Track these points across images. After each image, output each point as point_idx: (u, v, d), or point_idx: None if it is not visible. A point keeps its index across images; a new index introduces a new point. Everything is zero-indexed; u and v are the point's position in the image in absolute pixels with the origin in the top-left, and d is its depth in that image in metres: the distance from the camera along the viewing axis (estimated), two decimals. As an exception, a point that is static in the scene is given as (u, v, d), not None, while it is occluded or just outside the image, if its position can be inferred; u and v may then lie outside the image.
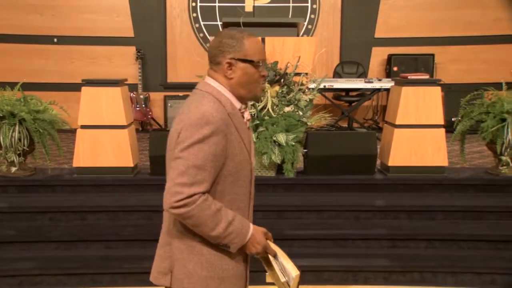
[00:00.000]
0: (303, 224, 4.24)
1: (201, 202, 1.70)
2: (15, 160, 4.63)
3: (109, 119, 4.70)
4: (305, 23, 8.05)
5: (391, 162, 4.72)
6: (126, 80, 5.08)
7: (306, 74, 4.77)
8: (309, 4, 8.07)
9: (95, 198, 4.56)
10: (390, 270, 3.93)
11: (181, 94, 7.50)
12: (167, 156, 1.85)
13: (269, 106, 4.45)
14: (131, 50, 7.91)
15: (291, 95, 4.60)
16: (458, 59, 8.01)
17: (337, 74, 7.80)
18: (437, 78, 5.86)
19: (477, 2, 7.97)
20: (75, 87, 5.39)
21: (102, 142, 4.70)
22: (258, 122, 4.48)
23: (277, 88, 4.56)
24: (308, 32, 8.08)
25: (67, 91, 7.30)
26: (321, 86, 5.66)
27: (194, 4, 8.04)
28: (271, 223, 3.63)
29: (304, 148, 4.68)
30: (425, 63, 7.82)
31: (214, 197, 1.77)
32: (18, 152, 4.59)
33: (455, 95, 7.07)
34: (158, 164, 4.67)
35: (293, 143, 4.46)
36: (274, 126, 4.46)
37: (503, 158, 4.63)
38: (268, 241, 1.86)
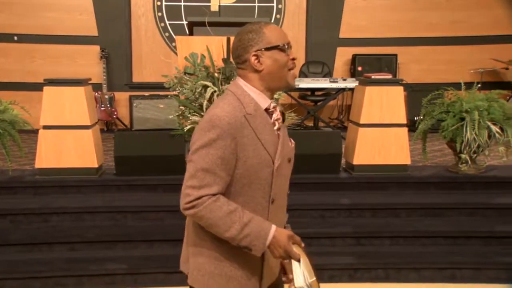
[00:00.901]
0: (270, 223, 4.26)
1: (209, 204, 1.72)
2: (-26, 161, 4.50)
3: (72, 119, 4.62)
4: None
5: (356, 161, 4.79)
6: (90, 79, 5.01)
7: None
8: (274, 4, 8.12)
9: (59, 200, 4.48)
10: (355, 267, 3.99)
11: (146, 94, 7.41)
12: None
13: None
14: (95, 49, 7.79)
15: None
16: (419, 59, 8.20)
17: (302, 74, 7.87)
18: (399, 78, 5.97)
19: (436, 4, 8.18)
20: (37, 87, 5.27)
21: (66, 142, 4.62)
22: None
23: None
24: (273, 32, 8.11)
25: (29, 90, 7.15)
26: (287, 86, 5.69)
27: (159, 3, 7.98)
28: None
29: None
30: (388, 63, 7.96)
31: (229, 198, 1.77)
32: (-22, 153, 4.47)
33: (417, 95, 7.23)
34: (123, 164, 4.64)
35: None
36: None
37: (463, 156, 4.76)
38: (294, 245, 1.78)
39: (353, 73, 7.99)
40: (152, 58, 7.96)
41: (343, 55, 8.20)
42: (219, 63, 4.59)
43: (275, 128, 1.85)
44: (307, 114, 7.33)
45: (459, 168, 4.86)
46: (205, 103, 4.43)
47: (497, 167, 5.14)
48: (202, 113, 4.47)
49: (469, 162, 4.80)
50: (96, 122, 4.98)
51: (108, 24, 7.81)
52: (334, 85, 7.11)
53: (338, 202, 4.52)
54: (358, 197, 4.60)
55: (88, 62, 7.82)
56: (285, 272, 2.04)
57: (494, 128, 4.63)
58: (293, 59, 1.83)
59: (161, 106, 7.09)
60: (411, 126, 5.64)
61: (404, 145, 4.78)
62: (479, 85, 5.10)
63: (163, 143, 4.64)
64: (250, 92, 1.82)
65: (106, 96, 7.55)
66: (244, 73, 1.84)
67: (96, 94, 7.32)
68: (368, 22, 8.16)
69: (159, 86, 6.01)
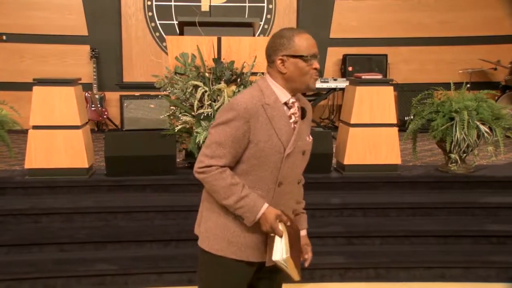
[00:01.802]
0: (261, 223, 4.26)
1: (216, 173, 2.00)
2: (-37, 162, 4.47)
3: (62, 119, 4.59)
4: (261, 23, 8.10)
5: (347, 161, 4.81)
6: (80, 79, 4.98)
7: (263, 73, 4.79)
8: (265, 4, 8.12)
9: (49, 200, 4.44)
10: (346, 267, 3.99)
11: (137, 93, 7.39)
12: None
13: (226, 105, 4.45)
14: (85, 49, 7.75)
15: (247, 95, 4.61)
16: (409, 59, 8.25)
17: (293, 74, 7.87)
18: (389, 78, 6.00)
19: (425, 5, 8.23)
20: (26, 87, 5.24)
21: (56, 142, 4.59)
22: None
23: (233, 87, 4.57)
24: (264, 32, 8.13)
25: (18, 90, 7.10)
26: (278, 86, 5.70)
27: (149, 3, 7.95)
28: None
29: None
30: (379, 63, 8.00)
31: (239, 175, 2.04)
32: (-34, 153, 4.44)
33: (407, 95, 7.30)
34: (114, 164, 4.61)
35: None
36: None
37: (452, 155, 4.79)
38: (280, 223, 2.00)
39: (343, 73, 8.02)
40: (142, 58, 7.94)
41: (333, 55, 8.22)
42: (210, 63, 4.59)
43: (291, 121, 2.07)
44: (298, 114, 7.33)
45: (448, 167, 4.89)
46: (196, 103, 4.43)
47: (486, 167, 5.18)
48: (193, 113, 4.46)
49: (459, 161, 4.83)
50: (87, 122, 4.95)
51: (98, 24, 7.77)
52: (324, 85, 7.13)
53: (329, 201, 4.53)
54: (349, 197, 4.62)
55: (78, 62, 7.78)
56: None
57: (483, 128, 4.66)
58: (315, 68, 2.05)
59: (152, 106, 7.08)
60: (402, 126, 5.68)
61: (394, 145, 4.80)
62: (468, 85, 5.15)
63: (154, 143, 4.62)
64: (273, 87, 2.06)
65: (97, 96, 7.51)
66: (271, 71, 2.08)
67: (86, 94, 7.28)
68: (358, 23, 8.19)
69: (149, 86, 6.00)
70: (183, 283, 3.84)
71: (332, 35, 8.19)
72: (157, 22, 7.99)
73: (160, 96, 6.14)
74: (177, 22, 5.54)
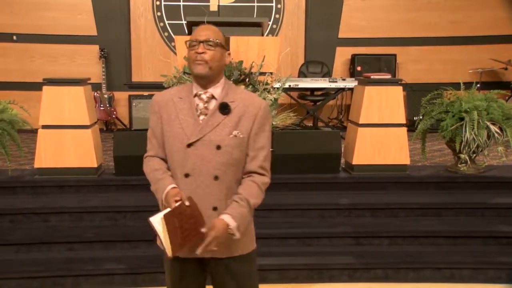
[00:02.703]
0: (268, 223, 4.26)
1: (145, 162, 2.24)
2: (-27, 161, 4.50)
3: (71, 119, 4.62)
4: (270, 23, 8.09)
5: (355, 161, 4.79)
6: (89, 79, 5.00)
7: (271, 73, 4.80)
8: (273, 4, 8.12)
9: (58, 200, 4.47)
10: (355, 267, 3.99)
11: (146, 93, 7.41)
12: None
13: (234, 105, 4.45)
14: (94, 48, 7.78)
15: (256, 94, 4.61)
16: (418, 59, 8.21)
17: (302, 74, 7.87)
18: (398, 78, 5.97)
19: (435, 4, 8.18)
20: (36, 86, 5.27)
21: (65, 142, 4.61)
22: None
23: (242, 87, 4.57)
24: (273, 32, 8.13)
25: (28, 90, 7.14)
26: (286, 85, 5.70)
27: (158, 3, 7.97)
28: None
29: (270, 147, 4.69)
30: (388, 63, 7.97)
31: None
32: (-24, 153, 4.46)
33: (416, 95, 7.25)
34: (122, 164, 4.63)
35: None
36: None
37: (462, 156, 4.76)
38: (174, 203, 1.99)
39: (352, 73, 7.99)
40: (151, 58, 7.96)
41: (342, 55, 8.20)
42: (218, 63, 4.59)
43: (198, 113, 2.11)
44: (307, 114, 7.33)
45: (458, 168, 4.86)
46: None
47: (496, 167, 5.14)
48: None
49: (468, 162, 4.80)
50: (96, 122, 4.97)
51: (107, 24, 7.81)
52: (333, 85, 7.10)
53: (337, 202, 4.52)
54: (357, 197, 4.60)
55: (87, 62, 7.81)
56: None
57: (493, 128, 4.63)
58: (198, 52, 2.06)
59: (160, 106, 7.09)
60: (411, 126, 5.65)
61: (403, 145, 4.78)
62: (478, 85, 5.11)
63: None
64: (194, 81, 2.16)
65: (106, 96, 7.55)
66: None
67: (95, 93, 7.32)
68: (367, 22, 8.16)
69: (158, 86, 5.97)
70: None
71: (340, 35, 8.17)
72: (166, 22, 8.01)
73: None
74: (185, 22, 5.53)
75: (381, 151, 4.78)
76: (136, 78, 8.02)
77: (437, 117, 4.83)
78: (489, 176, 4.83)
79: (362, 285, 3.94)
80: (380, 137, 4.77)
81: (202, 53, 2.05)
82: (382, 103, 4.76)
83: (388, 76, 6.59)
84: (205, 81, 2.11)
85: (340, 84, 7.09)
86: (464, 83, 4.97)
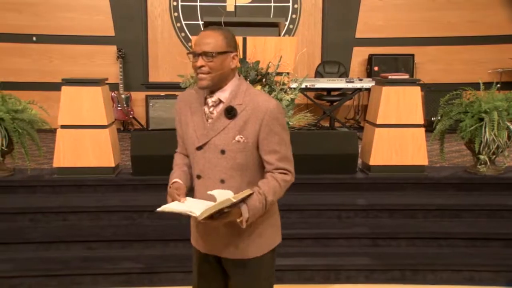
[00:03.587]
0: (285, 224, 4.20)
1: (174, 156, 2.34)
2: (-6, 160, 4.56)
3: (90, 119, 4.66)
4: (287, 23, 8.08)
5: (372, 161, 4.76)
6: (107, 79, 5.04)
7: (288, 73, 4.79)
8: (290, 4, 8.10)
9: (76, 199, 4.51)
10: (372, 268, 3.96)
11: (162, 93, 7.46)
12: None
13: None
14: (112, 49, 7.84)
15: (272, 95, 4.61)
16: (436, 59, 8.12)
17: (318, 74, 7.84)
18: (416, 78, 5.92)
19: (454, 4, 8.09)
20: (55, 87, 5.33)
21: (83, 142, 4.66)
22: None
23: (258, 87, 4.57)
24: (289, 32, 8.11)
25: (47, 90, 7.22)
26: (303, 85, 5.67)
27: (175, 3, 8.01)
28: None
29: (286, 148, 4.68)
30: (405, 63, 7.91)
31: None
32: (-3, 152, 4.53)
33: (434, 95, 7.18)
34: (139, 164, 4.66)
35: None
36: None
37: (481, 157, 4.70)
38: (175, 193, 2.12)
39: (369, 73, 7.94)
40: (168, 58, 8.00)
41: (359, 55, 8.16)
42: (235, 63, 4.59)
43: (206, 117, 2.13)
44: (323, 114, 7.31)
45: (477, 169, 4.80)
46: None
47: (517, 168, 5.07)
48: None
49: (488, 163, 4.74)
50: (113, 122, 5.01)
51: (124, 24, 7.86)
52: (350, 85, 7.07)
53: (354, 202, 4.49)
54: (374, 198, 4.57)
55: (105, 62, 7.88)
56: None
57: (514, 129, 4.56)
58: (194, 66, 2.04)
59: (177, 106, 7.12)
60: (428, 126, 5.59)
61: (421, 146, 4.74)
62: (499, 85, 5.04)
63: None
64: None
65: (123, 96, 7.60)
66: None
67: (112, 94, 7.37)
68: (385, 22, 8.11)
69: (175, 86, 6.02)
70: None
71: (357, 35, 8.12)
72: (183, 22, 8.04)
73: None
74: (202, 22, 5.56)
75: (399, 152, 4.74)
76: (153, 78, 8.07)
77: (456, 118, 4.77)
78: (509, 178, 4.76)
79: (380, 286, 3.91)
80: (397, 137, 4.73)
81: (202, 66, 2.02)
82: (399, 103, 4.72)
83: (406, 76, 6.55)
84: (211, 89, 2.10)
85: (357, 84, 7.05)
86: (484, 83, 4.91)
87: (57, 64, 7.81)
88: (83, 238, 4.13)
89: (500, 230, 4.24)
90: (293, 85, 4.89)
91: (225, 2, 7.86)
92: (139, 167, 4.68)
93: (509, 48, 8.00)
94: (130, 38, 7.88)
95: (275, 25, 5.20)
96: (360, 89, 7.15)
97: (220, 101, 2.10)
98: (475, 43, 8.11)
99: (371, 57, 7.95)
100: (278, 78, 4.68)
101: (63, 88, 4.68)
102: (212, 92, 2.10)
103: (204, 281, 2.29)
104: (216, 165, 2.09)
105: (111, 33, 7.87)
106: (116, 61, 7.78)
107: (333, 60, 7.99)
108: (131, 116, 7.69)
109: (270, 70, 4.62)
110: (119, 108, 7.55)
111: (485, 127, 4.56)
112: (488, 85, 4.91)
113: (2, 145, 4.48)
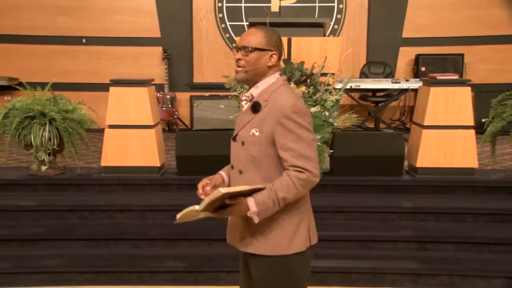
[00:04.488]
0: (329, 225, 4.21)
1: None
2: (45, 159, 4.71)
3: (136, 119, 4.74)
4: (332, 23, 8.00)
5: (419, 164, 4.65)
6: (153, 80, 5.12)
7: (333, 74, 4.74)
8: (335, 4, 8.02)
9: (123, 197, 4.61)
10: (419, 272, 3.87)
11: (207, 94, 7.52)
12: None
13: (295, 106, 4.42)
14: (158, 50, 7.97)
15: (317, 96, 4.57)
16: (487, 59, 7.86)
17: (363, 74, 7.73)
18: (466, 78, 5.75)
19: (505, 2, 7.81)
20: (103, 87, 5.45)
21: (130, 141, 4.75)
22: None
23: (303, 88, 4.54)
24: (334, 32, 8.03)
25: (95, 91, 7.40)
26: (348, 86, 5.62)
27: (220, 4, 8.07)
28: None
29: (331, 149, 4.64)
30: (454, 63, 7.68)
31: None
32: (48, 151, 4.67)
33: (485, 96, 6.94)
34: (184, 163, 4.71)
35: (320, 144, 4.44)
36: (301, 126, 4.43)
37: (535, 160, 4.52)
38: (203, 187, 2.39)
39: (416, 74, 7.77)
40: (212, 59, 8.06)
41: (406, 55, 7.99)
42: (280, 64, 4.57)
43: (243, 110, 2.22)
44: (368, 115, 7.20)
45: (531, 172, 4.62)
46: (265, 103, 4.43)
47: None
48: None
49: (542, 166, 4.55)
50: (159, 122, 5.09)
51: (170, 26, 7.98)
52: (396, 86, 6.94)
53: (400, 205, 4.40)
54: (421, 201, 4.47)
55: (151, 63, 8.01)
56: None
57: None
58: (236, 59, 2.16)
59: (222, 106, 7.16)
60: (478, 128, 5.42)
61: (471, 148, 4.60)
62: (555, 85, 4.83)
63: (224, 143, 4.60)
64: None
65: (168, 96, 7.71)
66: None
67: (158, 94, 7.49)
68: (432, 21, 7.91)
69: (219, 87, 6.08)
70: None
71: (404, 35, 7.96)
72: (227, 23, 8.09)
73: (229, 97, 6.20)
74: (247, 23, 5.57)
75: (447, 154, 4.62)
76: (197, 79, 8.15)
77: (508, 119, 4.60)
78: None
79: (427, 291, 3.82)
80: (445, 139, 4.61)
81: (239, 59, 2.14)
82: (448, 104, 4.60)
83: (455, 77, 6.36)
84: (247, 83, 2.21)
85: (403, 85, 6.91)
86: (539, 83, 4.71)
87: (105, 65, 8.00)
88: (130, 236, 4.20)
89: (556, 236, 4.06)
90: (338, 86, 4.83)
91: (270, 3, 7.85)
92: (184, 166, 4.73)
93: None
94: (175, 39, 7.98)
95: (320, 25, 5.15)
96: (406, 90, 7.01)
97: (253, 97, 2.18)
98: (527, 41, 7.80)
99: (418, 57, 7.77)
100: (323, 79, 4.63)
101: (111, 88, 4.78)
102: (249, 88, 2.21)
103: (242, 274, 2.39)
104: (238, 155, 2.22)
105: (157, 34, 8.00)
106: (161, 62, 7.90)
107: (378, 61, 7.86)
108: (175, 116, 7.79)
109: (315, 71, 4.58)
110: (164, 109, 7.66)
111: (539, 129, 4.37)
112: (543, 86, 4.72)
113: (53, 144, 4.62)
